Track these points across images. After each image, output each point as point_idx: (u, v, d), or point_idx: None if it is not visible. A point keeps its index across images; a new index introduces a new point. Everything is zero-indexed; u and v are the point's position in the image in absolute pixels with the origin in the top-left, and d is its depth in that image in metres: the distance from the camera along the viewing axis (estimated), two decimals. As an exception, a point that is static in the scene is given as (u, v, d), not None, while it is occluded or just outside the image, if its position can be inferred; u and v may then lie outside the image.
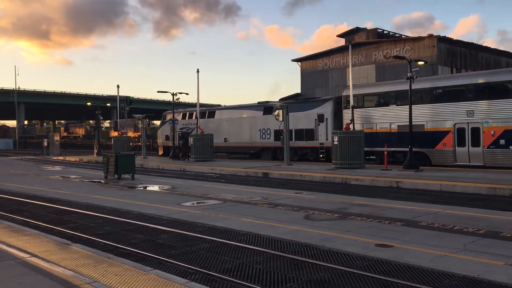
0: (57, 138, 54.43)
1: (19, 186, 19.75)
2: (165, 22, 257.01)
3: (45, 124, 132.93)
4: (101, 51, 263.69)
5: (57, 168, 31.65)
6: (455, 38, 42.52)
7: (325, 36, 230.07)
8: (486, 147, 21.84)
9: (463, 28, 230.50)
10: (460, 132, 22.74)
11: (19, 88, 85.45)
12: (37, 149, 60.64)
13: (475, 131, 22.23)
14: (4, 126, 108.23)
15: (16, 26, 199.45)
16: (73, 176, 24.56)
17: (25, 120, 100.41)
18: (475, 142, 22.22)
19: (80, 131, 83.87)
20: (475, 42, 48.01)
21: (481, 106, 22.17)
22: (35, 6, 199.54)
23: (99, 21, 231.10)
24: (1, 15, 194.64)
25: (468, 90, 22.85)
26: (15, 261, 7.29)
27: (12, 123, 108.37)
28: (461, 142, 22.72)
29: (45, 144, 51.83)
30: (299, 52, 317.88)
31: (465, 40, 45.11)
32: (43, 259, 7.33)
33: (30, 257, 7.50)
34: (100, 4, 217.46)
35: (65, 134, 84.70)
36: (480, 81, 22.71)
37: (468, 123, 22.51)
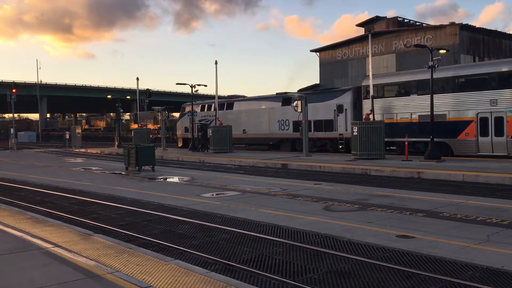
0: (78, 130, 55.26)
1: (43, 178, 20.11)
2: (185, 14, 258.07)
3: (67, 117, 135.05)
4: (122, 44, 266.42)
5: (79, 160, 32.13)
6: (479, 26, 41.80)
7: (345, 25, 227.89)
8: (510, 137, 21.38)
9: (487, 16, 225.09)
10: (483, 121, 22.29)
11: (41, 81, 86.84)
12: (59, 142, 61.61)
13: (499, 121, 21.77)
14: (27, 119, 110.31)
15: (40, 21, 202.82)
16: (95, 168, 24.89)
17: (48, 113, 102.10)
18: (499, 132, 21.77)
19: (101, 124, 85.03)
20: (500, 29, 46.83)
21: (505, 94, 21.68)
22: (59, 0, 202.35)
23: (121, 15, 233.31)
24: (26, 10, 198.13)
25: (491, 78, 22.36)
26: (38, 251, 7.42)
27: (35, 116, 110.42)
28: (484, 131, 22.28)
29: (67, 136, 52.63)
30: (320, 42, 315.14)
31: (490, 28, 44.16)
32: (66, 249, 7.45)
33: (53, 247, 7.63)
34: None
35: (86, 126, 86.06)
36: (504, 69, 22.19)
37: (491, 112, 22.05)
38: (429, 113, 21.88)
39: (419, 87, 24.71)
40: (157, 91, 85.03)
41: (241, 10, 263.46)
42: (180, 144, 42.60)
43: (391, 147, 26.50)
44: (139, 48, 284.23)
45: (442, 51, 23.66)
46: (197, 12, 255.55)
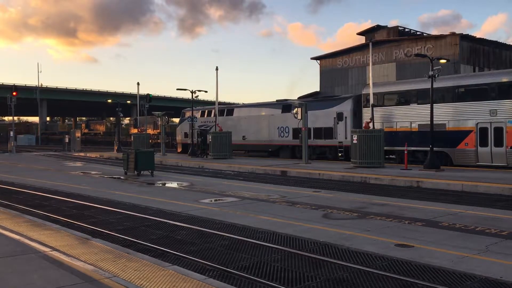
0: (78, 134, 55.25)
1: (41, 181, 20.08)
2: (189, 20, 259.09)
3: (66, 120, 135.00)
4: (125, 49, 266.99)
5: (78, 164, 32.10)
6: (482, 36, 41.90)
7: (348, 34, 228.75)
8: (509, 147, 21.41)
9: (490, 27, 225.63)
10: (483, 131, 22.32)
11: (41, 85, 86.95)
12: (59, 145, 61.56)
13: (498, 131, 21.81)
14: (27, 122, 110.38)
15: (45, 24, 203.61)
16: (94, 172, 24.87)
17: (47, 116, 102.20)
18: (498, 142, 21.80)
19: (101, 128, 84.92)
20: (503, 40, 47.11)
21: (505, 105, 21.73)
22: (65, 4, 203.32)
23: (126, 20, 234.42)
24: (31, 13, 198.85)
25: (491, 89, 22.42)
26: (36, 254, 7.40)
27: (34, 119, 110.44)
28: (483, 142, 22.31)
29: (67, 140, 52.62)
30: (322, 50, 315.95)
31: (493, 38, 44.47)
32: (64, 253, 7.43)
33: (51, 251, 7.61)
34: (127, 2, 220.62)
35: (86, 130, 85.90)
36: (504, 80, 22.26)
37: (491, 122, 22.08)
38: (429, 123, 21.90)
39: (419, 96, 24.76)
40: (158, 96, 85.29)
41: (246, 16, 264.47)
42: (179, 150, 42.59)
43: (390, 156, 26.50)
44: (143, 53, 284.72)
45: (442, 61, 23.72)
46: (201, 18, 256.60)
